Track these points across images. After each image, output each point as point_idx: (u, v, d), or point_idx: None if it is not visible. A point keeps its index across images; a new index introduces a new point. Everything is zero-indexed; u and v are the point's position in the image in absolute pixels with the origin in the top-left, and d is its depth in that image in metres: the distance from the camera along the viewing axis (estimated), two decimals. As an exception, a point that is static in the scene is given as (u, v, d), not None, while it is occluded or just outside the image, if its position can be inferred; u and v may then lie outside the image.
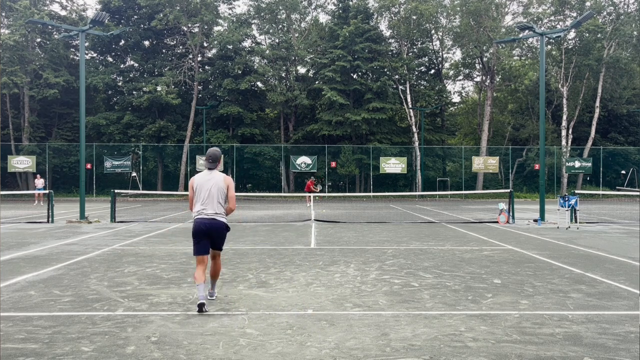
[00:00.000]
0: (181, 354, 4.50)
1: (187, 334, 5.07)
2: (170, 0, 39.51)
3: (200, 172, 6.26)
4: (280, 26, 45.14)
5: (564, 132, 40.71)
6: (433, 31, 44.87)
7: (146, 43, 43.61)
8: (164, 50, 44.90)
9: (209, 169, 6.25)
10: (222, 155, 7.01)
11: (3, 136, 39.23)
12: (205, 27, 41.68)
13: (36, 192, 28.54)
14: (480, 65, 43.94)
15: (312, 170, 40.34)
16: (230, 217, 21.07)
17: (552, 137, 42.93)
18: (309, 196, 27.30)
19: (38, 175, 31.56)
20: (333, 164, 40.31)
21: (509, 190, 19.30)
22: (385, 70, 41.97)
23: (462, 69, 47.18)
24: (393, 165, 39.29)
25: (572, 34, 40.63)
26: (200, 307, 5.79)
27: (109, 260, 9.44)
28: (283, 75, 44.44)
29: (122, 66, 43.51)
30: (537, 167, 38.60)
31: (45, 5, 41.14)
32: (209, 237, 6.05)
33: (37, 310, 5.95)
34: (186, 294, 6.79)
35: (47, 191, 20.21)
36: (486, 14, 39.57)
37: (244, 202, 32.24)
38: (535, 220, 17.20)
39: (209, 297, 6.38)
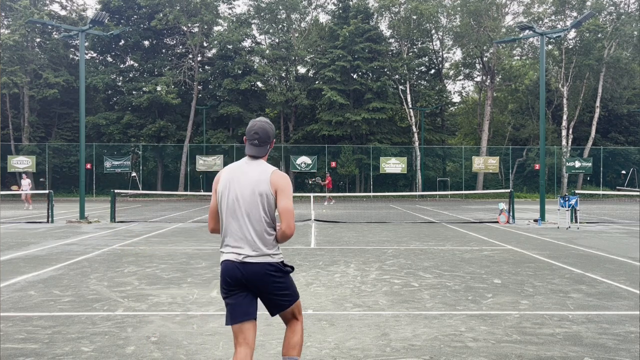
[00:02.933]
0: (181, 354, 4.50)
1: (187, 334, 5.07)
2: (170, 0, 39.50)
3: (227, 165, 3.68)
4: (280, 26, 45.12)
5: (564, 132, 40.70)
6: (433, 31, 44.85)
7: (146, 43, 43.60)
8: (163, 50, 44.90)
9: (252, 156, 3.39)
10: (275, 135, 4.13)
11: (3, 136, 39.21)
12: (205, 27, 41.67)
13: (23, 193, 24.88)
14: (481, 65, 43.93)
15: (312, 170, 40.29)
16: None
17: (552, 137, 42.92)
18: (330, 196, 28.97)
19: (24, 175, 29.91)
20: (333, 164, 40.30)
21: (509, 190, 19.29)
22: (385, 70, 41.96)
23: (462, 69, 47.18)
24: (393, 165, 39.28)
25: (572, 34, 40.63)
26: None
27: (109, 260, 9.44)
28: (283, 75, 44.42)
29: (122, 66, 43.50)
30: (537, 167, 38.58)
31: (45, 5, 41.12)
32: (249, 289, 3.29)
33: (37, 310, 5.94)
34: (186, 294, 6.79)
35: (47, 191, 20.15)
36: (486, 14, 39.56)
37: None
38: (536, 220, 17.20)
39: None
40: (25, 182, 26.48)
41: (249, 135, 3.39)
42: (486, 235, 13.71)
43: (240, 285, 3.26)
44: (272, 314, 3.42)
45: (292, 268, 3.39)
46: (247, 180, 3.28)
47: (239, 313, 3.26)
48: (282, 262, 3.32)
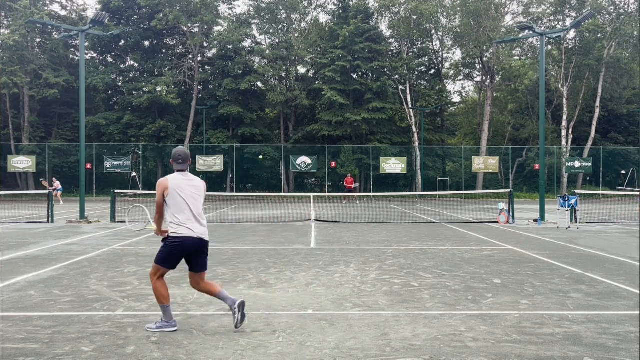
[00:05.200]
0: (181, 354, 4.50)
1: (187, 334, 5.07)
2: (170, 0, 39.50)
3: (173, 174, 5.21)
4: (280, 26, 45.12)
5: (564, 132, 40.70)
6: (433, 31, 44.86)
7: (146, 43, 43.60)
8: (164, 50, 44.90)
9: (180, 170, 5.16)
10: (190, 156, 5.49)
11: (3, 136, 39.21)
12: (205, 27, 41.67)
13: (59, 192, 29.70)
14: (480, 65, 43.94)
15: (312, 171, 40.28)
16: (230, 217, 20.93)
17: (552, 137, 42.91)
18: (355, 196, 30.85)
19: (54, 179, 32.05)
20: (333, 164, 40.30)
21: (509, 190, 19.29)
22: (385, 70, 41.95)
23: (462, 69, 47.18)
24: (393, 165, 39.28)
25: (572, 34, 40.63)
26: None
27: (109, 260, 9.44)
28: (283, 75, 44.43)
29: (122, 66, 43.50)
30: (537, 167, 38.57)
31: (45, 5, 41.14)
32: (194, 257, 5.14)
33: (37, 310, 5.94)
34: (186, 294, 6.79)
35: (48, 190, 20.15)
36: (486, 14, 39.55)
37: (244, 202, 32.24)
38: (535, 220, 17.20)
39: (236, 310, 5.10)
40: (56, 184, 30.64)
41: (175, 158, 5.18)
42: (486, 235, 13.71)
43: (186, 250, 5.03)
44: (197, 272, 5.15)
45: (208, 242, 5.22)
46: (192, 186, 5.13)
47: (175, 264, 5.15)
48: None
